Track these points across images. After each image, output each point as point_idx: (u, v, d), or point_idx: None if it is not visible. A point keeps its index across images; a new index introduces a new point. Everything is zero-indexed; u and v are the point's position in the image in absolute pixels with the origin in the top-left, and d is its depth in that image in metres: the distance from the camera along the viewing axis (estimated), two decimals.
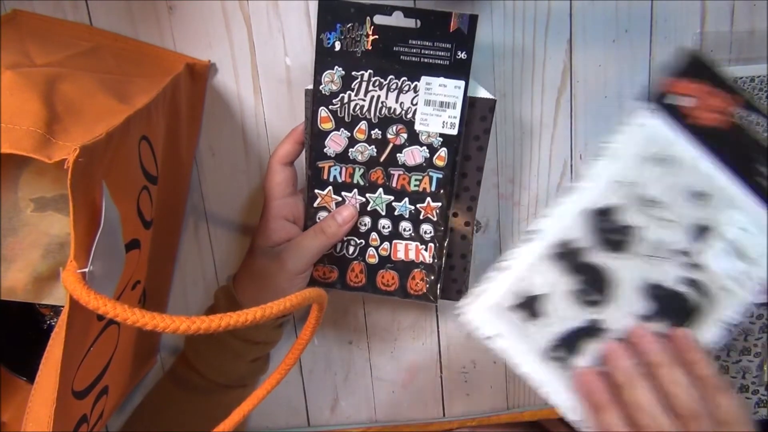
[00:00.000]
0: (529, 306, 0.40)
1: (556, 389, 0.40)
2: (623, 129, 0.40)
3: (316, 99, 0.47)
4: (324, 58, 0.46)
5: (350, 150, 0.48)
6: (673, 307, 0.40)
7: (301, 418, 0.62)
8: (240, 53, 0.51)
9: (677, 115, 0.40)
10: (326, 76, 0.46)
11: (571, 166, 0.55)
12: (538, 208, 0.56)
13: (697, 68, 0.40)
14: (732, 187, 0.39)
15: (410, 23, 0.45)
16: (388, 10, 0.45)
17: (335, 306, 0.58)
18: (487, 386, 0.61)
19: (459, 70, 0.45)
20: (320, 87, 0.46)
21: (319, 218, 0.49)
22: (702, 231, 0.39)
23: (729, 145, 0.40)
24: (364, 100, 0.47)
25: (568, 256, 0.40)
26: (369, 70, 0.46)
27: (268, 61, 0.52)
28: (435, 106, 0.46)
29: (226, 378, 0.51)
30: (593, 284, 0.40)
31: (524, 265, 0.40)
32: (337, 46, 0.45)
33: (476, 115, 0.47)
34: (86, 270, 0.29)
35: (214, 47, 0.51)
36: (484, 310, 0.41)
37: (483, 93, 0.47)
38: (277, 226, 0.48)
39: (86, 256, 0.30)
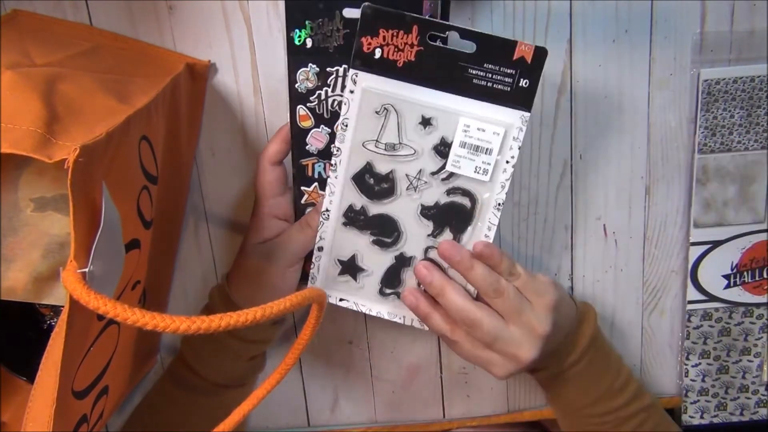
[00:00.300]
0: (350, 267, 0.49)
1: (402, 315, 0.50)
2: (346, 100, 0.45)
3: (292, 98, 0.47)
4: (296, 57, 0.46)
5: (332, 146, 0.48)
6: (452, 217, 0.47)
7: (301, 418, 0.62)
8: (240, 53, 0.51)
9: (378, 67, 0.44)
10: (301, 74, 0.46)
11: (571, 166, 0.55)
12: (538, 208, 0.56)
13: (371, 21, 0.43)
14: (451, 101, 0.44)
15: None
16: (356, 3, 0.44)
17: (335, 305, 0.58)
18: (487, 387, 0.61)
19: None
20: (296, 85, 0.46)
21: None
22: (443, 148, 0.45)
23: (431, 68, 0.43)
24: (341, 96, 0.46)
25: (354, 218, 0.48)
26: (344, 65, 0.46)
27: (268, 61, 0.52)
28: None
29: (225, 377, 0.52)
30: (383, 230, 0.48)
31: (331, 239, 0.48)
32: (309, 43, 0.45)
33: None
34: (86, 270, 0.29)
35: (214, 47, 0.51)
36: (323, 285, 0.50)
37: None
38: (270, 225, 0.49)
39: (86, 256, 0.30)
